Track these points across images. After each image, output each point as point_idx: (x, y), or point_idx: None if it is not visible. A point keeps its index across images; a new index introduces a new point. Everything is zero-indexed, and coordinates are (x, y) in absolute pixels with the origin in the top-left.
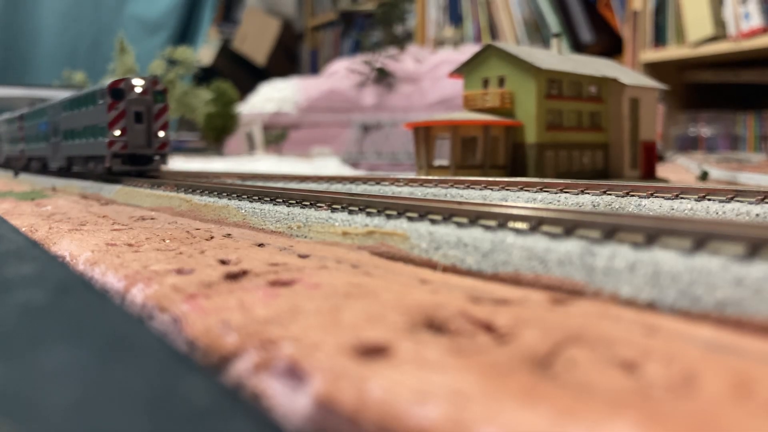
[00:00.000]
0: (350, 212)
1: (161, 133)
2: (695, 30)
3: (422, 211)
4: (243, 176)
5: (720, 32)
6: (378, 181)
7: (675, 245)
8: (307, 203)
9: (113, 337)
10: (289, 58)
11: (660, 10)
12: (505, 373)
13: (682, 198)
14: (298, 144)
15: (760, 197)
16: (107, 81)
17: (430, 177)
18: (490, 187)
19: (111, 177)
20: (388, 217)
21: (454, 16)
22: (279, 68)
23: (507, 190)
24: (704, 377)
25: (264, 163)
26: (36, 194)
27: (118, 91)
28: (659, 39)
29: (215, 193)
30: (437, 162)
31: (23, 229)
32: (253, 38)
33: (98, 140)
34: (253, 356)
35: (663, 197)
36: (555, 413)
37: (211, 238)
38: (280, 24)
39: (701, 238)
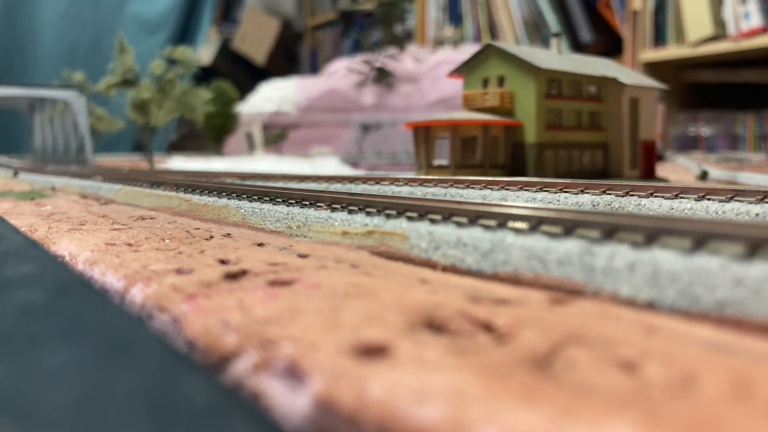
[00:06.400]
0: (350, 212)
1: None
2: (695, 30)
3: (422, 211)
4: (243, 176)
5: (720, 32)
6: (377, 180)
7: (674, 245)
8: (307, 203)
9: (113, 336)
10: (289, 57)
11: (660, 10)
12: (504, 373)
13: (681, 198)
14: (298, 144)
15: (759, 197)
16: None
17: (429, 177)
18: (490, 186)
19: (110, 176)
20: (388, 216)
21: (454, 15)
22: (279, 68)
23: (506, 189)
24: (704, 377)
25: (264, 163)
26: (35, 194)
27: None
28: (659, 39)
29: (215, 192)
30: (437, 162)
31: (23, 229)
32: (252, 38)
33: None
34: (252, 356)
35: (663, 197)
36: (555, 413)
37: (211, 237)
38: (280, 24)
39: (701, 237)
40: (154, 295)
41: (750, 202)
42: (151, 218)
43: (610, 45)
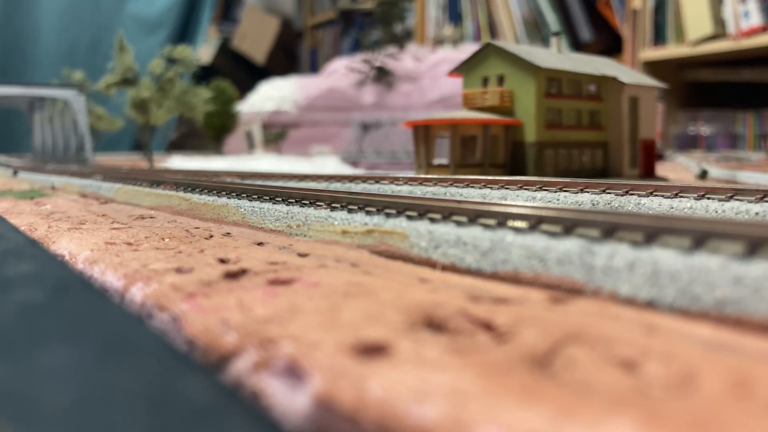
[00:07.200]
0: (349, 211)
1: None
2: (695, 29)
3: (421, 210)
4: (242, 175)
5: (719, 31)
6: (377, 179)
7: (674, 244)
8: (307, 202)
9: (112, 336)
10: (289, 56)
11: (659, 9)
12: (504, 372)
13: (681, 197)
14: (298, 143)
15: (759, 196)
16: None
17: (429, 176)
18: (490, 185)
19: (110, 175)
20: (388, 215)
21: (454, 14)
22: (278, 67)
23: (506, 188)
24: (703, 376)
25: (264, 162)
26: (35, 193)
27: None
28: (659, 38)
29: (214, 191)
30: (436, 161)
31: (22, 228)
32: (252, 37)
33: None
34: (252, 355)
35: (662, 196)
36: (554, 412)
37: (211, 236)
38: (280, 23)
39: (701, 236)
40: (153, 294)
41: (750, 201)
42: (151, 217)
43: (609, 44)
